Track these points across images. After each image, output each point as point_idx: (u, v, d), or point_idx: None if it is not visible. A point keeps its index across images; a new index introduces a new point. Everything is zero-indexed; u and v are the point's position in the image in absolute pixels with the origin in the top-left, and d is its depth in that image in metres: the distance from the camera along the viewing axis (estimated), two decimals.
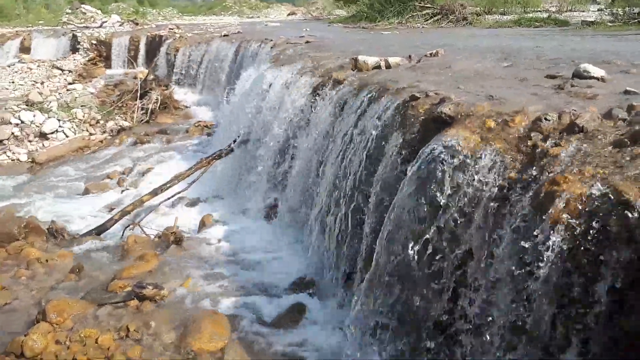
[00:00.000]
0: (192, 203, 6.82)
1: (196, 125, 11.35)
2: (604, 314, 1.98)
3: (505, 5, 21.31)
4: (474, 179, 2.61)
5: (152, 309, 4.07)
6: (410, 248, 2.69)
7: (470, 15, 14.35)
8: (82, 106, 12.37)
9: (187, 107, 12.96)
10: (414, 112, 3.28)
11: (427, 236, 2.71)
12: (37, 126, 11.40)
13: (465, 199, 2.61)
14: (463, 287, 2.66)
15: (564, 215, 2.08)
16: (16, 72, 18.19)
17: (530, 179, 2.41)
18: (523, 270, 2.24)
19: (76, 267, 4.91)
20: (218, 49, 13.09)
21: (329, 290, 4.11)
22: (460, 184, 2.64)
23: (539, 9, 22.03)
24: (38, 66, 18.45)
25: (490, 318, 2.39)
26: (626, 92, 2.95)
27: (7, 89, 16.87)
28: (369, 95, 3.98)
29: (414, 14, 15.07)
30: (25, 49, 20.96)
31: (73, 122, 11.77)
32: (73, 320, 3.91)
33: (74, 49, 19.50)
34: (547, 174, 2.33)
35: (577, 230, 2.05)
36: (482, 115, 2.84)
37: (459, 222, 2.64)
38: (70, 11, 27.08)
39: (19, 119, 11.42)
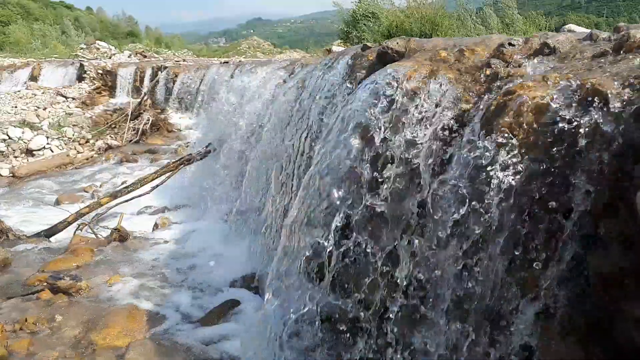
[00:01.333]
0: (158, 211, 6.29)
1: (186, 145, 10.95)
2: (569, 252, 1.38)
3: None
4: (418, 113, 2.06)
5: (64, 302, 3.48)
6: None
7: None
8: (73, 125, 12.13)
9: (180, 130, 12.65)
10: (364, 60, 2.78)
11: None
12: (24, 142, 11.14)
13: (406, 136, 2.05)
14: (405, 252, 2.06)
15: (517, 124, 1.51)
16: (20, 97, 18.23)
17: (482, 105, 1.86)
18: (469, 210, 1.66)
19: (2, 262, 4.35)
20: (217, 73, 12.88)
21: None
22: (399, 121, 2.09)
23: None
24: (43, 93, 18.48)
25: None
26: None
27: (9, 113, 16.84)
28: (322, 70, 3.49)
29: None
30: (34, 78, 21.18)
31: (62, 139, 11.50)
32: None
33: (80, 78, 19.59)
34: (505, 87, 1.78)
35: (534, 142, 1.48)
36: (436, 48, 2.31)
37: (398, 170, 2.07)
38: (84, 46, 27.60)
39: (7, 135, 11.18)
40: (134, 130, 11.71)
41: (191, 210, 6.16)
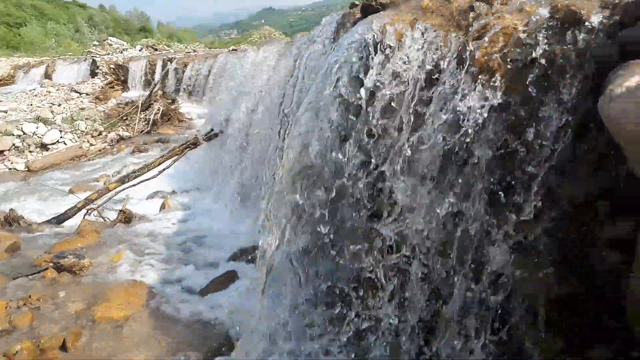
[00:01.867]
0: (167, 195, 6.33)
1: (197, 132, 11.00)
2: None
3: None
4: (401, 61, 2.01)
5: (68, 280, 3.53)
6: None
7: None
8: (86, 119, 12.27)
9: (191, 119, 12.70)
10: (351, 17, 2.73)
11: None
12: (38, 137, 11.28)
13: (390, 86, 2.00)
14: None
15: (489, 55, 1.45)
16: (35, 95, 18.52)
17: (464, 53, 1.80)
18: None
19: (12, 247, 4.42)
20: (224, 63, 12.88)
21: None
22: (384, 68, 2.04)
23: None
24: (57, 90, 18.75)
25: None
26: None
27: (25, 111, 17.13)
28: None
29: None
30: (48, 76, 21.50)
31: (75, 133, 11.63)
32: None
33: (93, 74, 19.82)
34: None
35: (507, 72, 1.42)
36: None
37: (378, 121, 2.03)
38: (97, 43, 27.85)
39: (22, 131, 11.35)
40: (145, 120, 11.80)
41: (199, 193, 6.19)
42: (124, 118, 12.21)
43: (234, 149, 5.59)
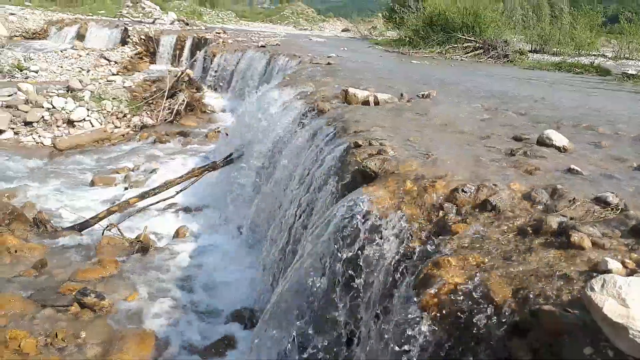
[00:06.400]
0: (178, 210, 6.85)
1: (216, 130, 11.46)
2: None
3: (559, 45, 20.62)
4: (378, 242, 2.46)
5: (89, 318, 4.07)
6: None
7: (513, 53, 13.93)
8: (113, 99, 12.73)
9: (213, 111, 13.13)
10: (352, 158, 3.16)
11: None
12: (67, 113, 11.78)
13: (367, 261, 2.46)
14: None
15: (432, 306, 1.91)
16: (66, 57, 19.02)
17: (425, 253, 2.25)
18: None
19: (39, 263, 4.98)
20: (251, 59, 13.23)
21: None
22: (365, 244, 2.50)
23: (594, 53, 21.21)
24: (87, 54, 19.23)
25: None
26: (569, 170, 2.71)
27: (55, 72, 17.67)
28: (331, 135, 3.87)
29: (455, 45, 14.79)
30: (80, 37, 21.93)
31: (101, 113, 12.12)
32: (9, 318, 3.95)
33: (124, 42, 20.22)
34: (439, 251, 2.17)
35: (444, 323, 1.88)
36: (405, 176, 2.68)
37: (358, 283, 2.50)
38: (130, 4, 28.10)
39: (51, 104, 11.85)
40: (169, 109, 12.25)
41: (211, 214, 6.69)
42: (150, 102, 12.66)
43: (251, 182, 6.04)
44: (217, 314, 4.28)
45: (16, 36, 22.53)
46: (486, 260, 2.00)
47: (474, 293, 1.85)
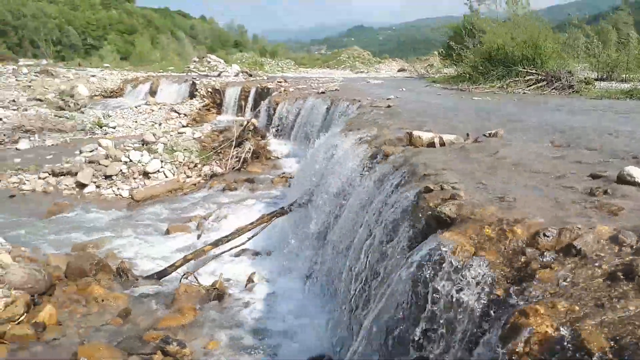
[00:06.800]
0: (250, 254, 7.04)
1: (281, 176, 11.78)
2: None
3: (628, 71, 19.79)
4: (460, 290, 2.44)
5: None
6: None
7: (578, 83, 13.51)
8: (184, 150, 13.43)
9: (278, 158, 13.52)
10: (424, 204, 3.16)
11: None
12: (142, 165, 12.53)
13: (450, 309, 2.44)
14: None
15: (520, 356, 1.87)
16: (140, 112, 20.35)
17: (509, 302, 2.21)
18: None
19: (124, 312, 5.25)
20: (313, 106, 13.61)
21: None
22: (446, 293, 2.48)
23: None
24: (159, 109, 20.50)
25: None
26: None
27: (130, 127, 18.91)
28: (399, 179, 3.91)
29: (517, 79, 14.55)
30: (152, 93, 23.45)
31: (174, 164, 12.80)
32: None
33: (192, 95, 21.39)
34: (524, 299, 2.12)
35: None
36: (483, 221, 2.66)
37: (439, 331, 2.47)
38: (197, 60, 29.79)
39: (128, 158, 12.66)
40: (236, 158, 12.74)
41: (280, 259, 6.82)
42: (218, 152, 13.24)
43: (317, 229, 6.15)
44: None
45: (96, 95, 24.38)
46: (576, 307, 1.94)
47: (565, 342, 1.80)
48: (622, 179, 3.18)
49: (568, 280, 2.14)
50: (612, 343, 1.74)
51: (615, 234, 2.32)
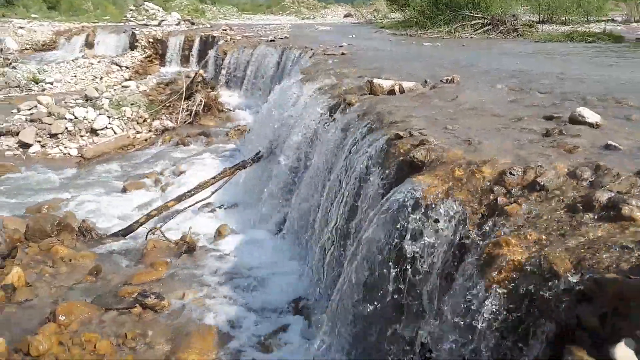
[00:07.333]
0: (215, 209, 7.08)
1: (236, 129, 11.68)
2: None
3: (567, 13, 20.40)
4: (435, 229, 2.65)
5: (151, 318, 4.33)
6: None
7: (522, 27, 13.91)
8: (131, 104, 12.97)
9: (230, 110, 13.32)
10: (395, 150, 3.33)
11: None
12: (88, 122, 12.05)
13: (425, 248, 2.65)
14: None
15: (497, 283, 2.10)
16: (79, 66, 19.29)
17: (483, 235, 2.44)
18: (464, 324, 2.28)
19: (94, 269, 5.25)
20: (263, 55, 13.38)
21: (319, 312, 4.21)
22: (420, 233, 2.68)
23: (603, 19, 20.98)
24: (99, 62, 19.49)
25: None
26: (607, 146, 2.87)
27: (69, 82, 17.96)
28: (365, 128, 4.05)
29: (463, 23, 14.79)
30: (89, 45, 22.18)
31: (122, 119, 12.38)
32: (79, 323, 4.21)
33: (132, 47, 20.41)
34: (496, 232, 2.35)
35: (509, 299, 2.08)
36: (452, 163, 2.86)
37: (418, 271, 2.69)
38: (134, 8, 28.23)
39: (73, 115, 12.13)
40: (187, 111, 12.47)
41: (246, 211, 6.92)
42: (167, 106, 12.90)
43: (283, 179, 6.24)
44: (272, 306, 4.52)
45: (27, 49, 22.83)
46: (543, 237, 2.18)
47: (537, 267, 2.03)
48: (574, 120, 3.45)
49: (534, 213, 2.37)
50: (577, 265, 1.99)
51: (573, 170, 2.56)
